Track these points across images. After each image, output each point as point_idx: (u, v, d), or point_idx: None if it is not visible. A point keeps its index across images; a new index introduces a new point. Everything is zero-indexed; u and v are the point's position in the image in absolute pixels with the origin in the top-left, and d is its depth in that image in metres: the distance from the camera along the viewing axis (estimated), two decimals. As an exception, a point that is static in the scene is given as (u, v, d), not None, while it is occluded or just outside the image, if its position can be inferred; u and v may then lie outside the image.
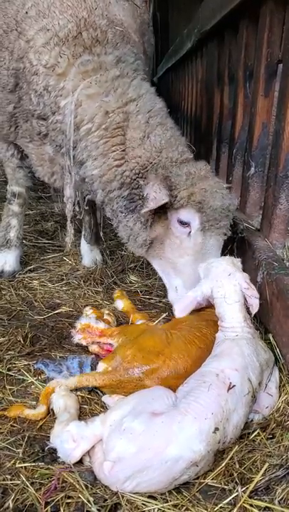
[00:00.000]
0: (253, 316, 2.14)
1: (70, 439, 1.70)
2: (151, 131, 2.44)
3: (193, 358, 2.05)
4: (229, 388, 1.75)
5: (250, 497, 1.58)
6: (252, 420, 1.93)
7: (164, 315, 2.72)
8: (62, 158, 2.69)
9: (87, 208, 2.93)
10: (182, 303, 2.27)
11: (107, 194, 2.52)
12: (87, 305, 2.84)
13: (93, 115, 2.42)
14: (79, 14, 2.49)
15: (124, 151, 2.43)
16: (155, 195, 2.28)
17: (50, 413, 1.98)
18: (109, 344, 2.31)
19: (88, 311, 2.65)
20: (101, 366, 2.12)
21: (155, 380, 1.98)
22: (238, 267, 2.21)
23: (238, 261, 2.26)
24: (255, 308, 2.09)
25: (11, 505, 1.55)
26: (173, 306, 2.51)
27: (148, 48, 3.34)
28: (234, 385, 1.76)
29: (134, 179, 2.42)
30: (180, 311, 2.28)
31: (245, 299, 2.12)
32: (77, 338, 2.41)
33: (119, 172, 2.43)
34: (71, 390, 2.05)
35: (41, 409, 1.96)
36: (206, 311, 2.35)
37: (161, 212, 2.39)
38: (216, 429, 1.64)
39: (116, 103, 2.42)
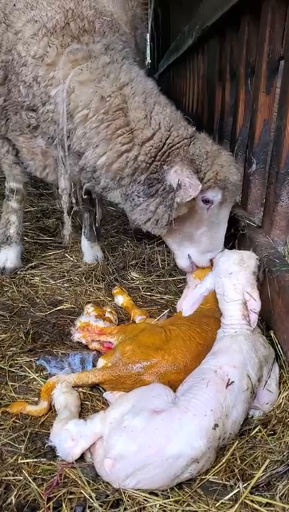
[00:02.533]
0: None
1: (68, 438, 1.70)
2: (150, 110, 2.43)
3: (192, 353, 2.06)
4: (228, 385, 1.75)
5: (251, 493, 1.59)
6: (253, 417, 1.94)
7: (166, 311, 2.72)
8: (55, 150, 2.65)
9: (85, 197, 2.91)
10: (189, 301, 2.26)
11: (118, 181, 2.49)
12: (88, 302, 2.85)
13: (88, 101, 2.39)
14: (66, 5, 2.51)
15: (131, 133, 2.39)
16: (191, 182, 2.29)
17: (52, 409, 1.99)
18: (109, 342, 2.32)
19: (89, 308, 2.65)
20: (101, 362, 2.13)
21: (154, 375, 1.99)
22: (247, 265, 2.13)
23: (250, 258, 2.17)
24: (253, 323, 2.04)
25: (13, 501, 1.56)
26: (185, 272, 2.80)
27: (140, 42, 3.34)
28: (232, 382, 1.77)
29: (151, 163, 2.41)
30: (188, 309, 2.26)
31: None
32: (77, 336, 2.42)
33: (130, 158, 2.40)
34: (73, 387, 2.05)
35: (43, 405, 1.97)
36: (208, 308, 2.36)
37: None
38: (216, 425, 1.65)
39: (110, 88, 2.40)
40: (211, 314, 2.31)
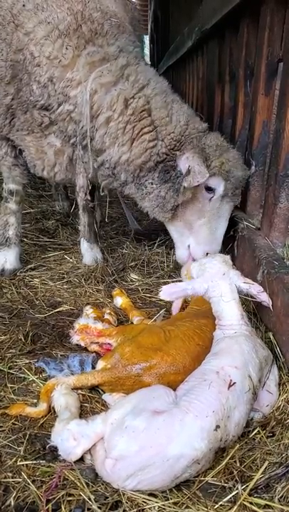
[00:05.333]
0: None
1: (70, 438, 1.70)
2: (171, 107, 2.65)
3: (191, 354, 2.07)
4: (230, 386, 1.75)
5: (250, 495, 1.59)
6: (252, 418, 1.94)
7: (162, 311, 2.72)
8: (71, 148, 2.75)
9: (103, 194, 3.02)
10: (171, 288, 2.23)
11: (137, 174, 2.69)
12: (88, 303, 2.85)
13: (112, 103, 2.56)
14: (74, 8, 2.60)
15: (155, 131, 2.61)
16: (200, 169, 2.51)
17: (51, 411, 1.99)
18: (108, 344, 2.32)
19: (88, 310, 2.66)
20: (100, 364, 2.14)
21: (153, 376, 1.99)
22: (229, 264, 2.25)
23: (228, 258, 2.30)
24: (268, 300, 2.18)
25: (12, 503, 1.56)
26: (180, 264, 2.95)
27: (139, 43, 3.42)
28: (234, 383, 1.77)
29: (169, 154, 2.63)
30: (166, 294, 2.23)
31: (241, 291, 2.15)
32: (76, 339, 2.42)
33: (154, 152, 2.62)
34: (72, 389, 2.05)
35: (42, 406, 1.97)
36: (205, 309, 2.37)
37: None
38: (217, 426, 1.65)
39: (132, 90, 2.58)
40: (210, 315, 2.31)
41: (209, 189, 2.68)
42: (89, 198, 2.97)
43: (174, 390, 1.91)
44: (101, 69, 2.54)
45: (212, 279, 2.17)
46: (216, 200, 2.72)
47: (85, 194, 2.90)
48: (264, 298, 2.16)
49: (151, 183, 2.67)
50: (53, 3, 2.60)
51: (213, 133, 2.78)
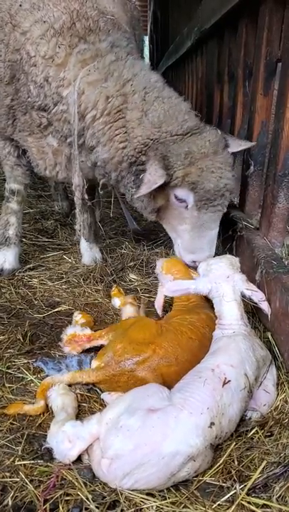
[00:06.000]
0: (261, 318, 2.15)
1: (65, 440, 1.70)
2: (148, 107, 2.50)
3: (183, 347, 2.08)
4: (224, 383, 1.76)
5: (248, 494, 1.59)
6: (250, 418, 1.94)
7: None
8: (68, 148, 2.74)
9: (102, 192, 3.04)
10: (175, 286, 2.30)
11: (119, 173, 2.63)
12: (77, 309, 2.83)
13: (96, 102, 2.50)
14: (71, 6, 2.58)
15: (126, 133, 2.52)
16: (149, 178, 2.39)
17: (49, 411, 1.99)
18: (102, 346, 2.32)
19: (77, 316, 2.64)
20: (94, 364, 2.14)
21: (146, 370, 2.00)
22: (236, 267, 2.27)
23: (236, 261, 2.31)
24: (267, 310, 2.16)
25: (10, 503, 1.56)
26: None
27: (139, 43, 3.43)
28: (229, 380, 1.77)
29: (138, 157, 2.51)
30: (170, 291, 2.30)
31: (243, 295, 2.18)
32: (66, 350, 2.39)
33: (125, 153, 2.54)
34: (69, 386, 2.06)
35: (40, 403, 1.98)
36: (194, 305, 2.42)
37: (161, 187, 2.47)
38: (212, 423, 1.65)
39: (114, 87, 2.50)
40: (199, 310, 2.36)
41: (179, 199, 2.51)
42: (86, 197, 2.94)
43: (168, 382, 1.92)
44: (89, 67, 2.50)
45: (216, 280, 2.20)
46: (192, 209, 2.52)
47: (81, 193, 2.87)
48: (264, 307, 2.16)
49: (131, 187, 2.61)
50: (49, 1, 2.58)
51: (202, 134, 2.51)
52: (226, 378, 1.77)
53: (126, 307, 2.65)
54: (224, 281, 2.18)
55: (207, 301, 2.41)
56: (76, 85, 2.48)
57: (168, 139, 2.46)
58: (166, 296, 2.70)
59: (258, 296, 2.16)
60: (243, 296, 2.18)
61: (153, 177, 2.38)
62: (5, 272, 3.29)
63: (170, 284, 2.31)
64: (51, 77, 2.55)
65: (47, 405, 1.99)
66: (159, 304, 2.68)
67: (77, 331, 2.42)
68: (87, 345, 2.36)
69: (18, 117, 2.82)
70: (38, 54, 2.53)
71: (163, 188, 2.48)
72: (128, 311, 2.61)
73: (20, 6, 2.60)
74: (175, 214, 2.63)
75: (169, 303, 2.75)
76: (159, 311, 2.67)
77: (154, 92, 2.54)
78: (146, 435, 1.59)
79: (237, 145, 2.66)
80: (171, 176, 2.41)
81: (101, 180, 2.83)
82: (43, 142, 2.84)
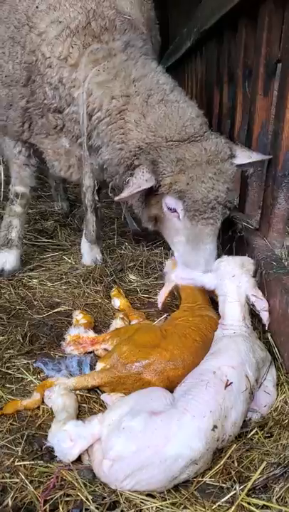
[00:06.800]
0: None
1: (67, 439, 1.70)
2: (148, 110, 2.45)
3: (189, 349, 2.09)
4: (226, 385, 1.76)
5: (248, 495, 1.59)
6: (250, 419, 1.94)
7: (165, 315, 2.71)
8: (79, 148, 2.74)
9: (111, 194, 2.89)
10: (184, 273, 2.33)
11: (121, 177, 2.60)
12: (77, 308, 2.83)
13: (101, 103, 2.49)
14: (88, 6, 2.55)
15: (123, 134, 2.49)
16: (134, 181, 2.33)
17: (49, 412, 1.99)
18: (105, 350, 2.32)
19: (78, 315, 2.64)
20: (99, 366, 2.14)
21: (153, 373, 2.00)
22: (247, 269, 2.23)
23: (250, 263, 2.27)
24: (266, 321, 2.16)
25: (10, 503, 1.56)
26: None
27: (155, 43, 3.34)
28: (231, 382, 1.77)
29: (132, 161, 2.49)
30: (178, 277, 2.35)
31: (248, 300, 2.17)
32: (69, 349, 2.39)
33: (121, 156, 2.51)
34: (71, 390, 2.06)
35: (36, 396, 2.00)
36: (199, 307, 2.41)
37: (153, 194, 2.44)
38: (215, 426, 1.65)
39: (120, 87, 2.47)
40: (204, 313, 2.36)
41: (169, 208, 2.43)
42: (97, 199, 2.92)
43: (174, 385, 1.92)
44: (99, 67, 2.47)
45: (221, 277, 2.21)
46: (185, 219, 2.40)
47: (92, 194, 2.84)
48: (264, 317, 2.16)
49: None
50: (66, 2, 2.55)
51: (199, 143, 2.39)
52: (228, 380, 1.77)
53: (116, 320, 2.61)
54: (229, 280, 2.18)
55: (214, 306, 2.40)
56: (85, 86, 2.46)
57: (162, 144, 2.39)
58: (167, 297, 2.71)
59: (261, 305, 2.15)
60: (247, 300, 2.16)
61: (138, 180, 2.33)
62: (5, 273, 3.28)
63: (180, 271, 2.34)
64: (65, 78, 2.53)
65: (43, 400, 2.01)
66: (161, 299, 2.69)
67: (80, 333, 2.43)
68: (90, 348, 2.36)
69: (35, 120, 2.80)
70: (52, 55, 2.52)
71: (156, 196, 2.44)
72: (117, 325, 2.57)
73: (37, 7, 2.58)
74: (170, 224, 2.55)
75: (173, 303, 2.75)
76: (160, 305, 2.70)
77: (158, 94, 2.47)
78: (148, 438, 1.59)
79: (246, 157, 2.50)
80: (159, 183, 2.34)
81: (110, 182, 2.80)
82: (58, 144, 2.83)
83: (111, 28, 2.56)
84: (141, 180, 2.32)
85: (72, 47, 2.50)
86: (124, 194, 2.33)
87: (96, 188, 2.89)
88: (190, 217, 2.36)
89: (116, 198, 2.41)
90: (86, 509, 1.54)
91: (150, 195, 2.46)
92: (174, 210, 2.42)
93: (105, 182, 2.91)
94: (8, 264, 3.30)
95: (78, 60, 2.50)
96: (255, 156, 2.55)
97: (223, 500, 1.58)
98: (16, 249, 3.34)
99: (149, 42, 2.84)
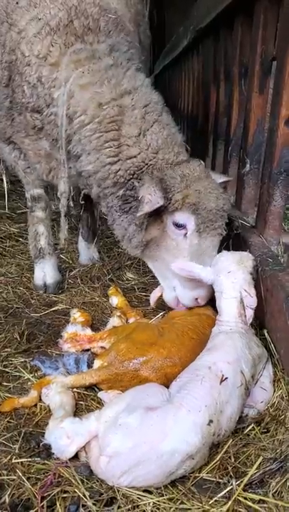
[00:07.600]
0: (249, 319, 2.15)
1: (64, 436, 1.71)
2: (147, 128, 2.36)
3: (186, 347, 2.10)
4: (222, 380, 1.77)
5: (244, 490, 1.60)
6: (247, 415, 1.95)
7: (162, 313, 2.71)
8: (58, 152, 2.63)
9: (83, 202, 2.86)
10: (184, 265, 2.28)
11: (102, 190, 2.46)
12: (75, 307, 2.83)
13: (86, 107, 2.35)
14: (69, 2, 2.43)
15: (118, 148, 2.35)
16: (150, 198, 2.21)
17: (46, 410, 1.99)
18: (102, 347, 2.33)
19: (76, 313, 2.64)
20: (96, 363, 2.14)
21: (150, 370, 2.01)
22: (245, 266, 2.20)
23: (249, 259, 2.24)
24: (249, 319, 2.11)
25: (7, 500, 1.57)
26: (169, 303, 2.56)
27: (144, 39, 3.21)
28: (226, 377, 1.78)
29: (129, 180, 2.37)
30: (177, 268, 2.29)
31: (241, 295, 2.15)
32: (66, 347, 2.39)
33: (112, 170, 2.37)
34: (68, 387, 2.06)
35: (33, 394, 2.00)
36: (197, 307, 2.42)
37: (156, 215, 2.34)
38: (210, 421, 1.66)
39: (110, 94, 2.34)
40: (201, 312, 2.37)
41: (179, 225, 2.32)
42: (71, 205, 2.77)
43: (171, 381, 1.94)
44: (83, 69, 2.36)
45: (218, 272, 2.20)
46: (192, 236, 2.33)
47: (67, 200, 2.68)
48: (248, 314, 2.11)
49: (116, 210, 2.45)
50: None
51: (189, 162, 2.40)
52: (223, 375, 1.78)
53: (114, 318, 2.61)
54: (224, 276, 2.17)
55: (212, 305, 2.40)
56: (67, 87, 2.35)
57: (163, 165, 2.35)
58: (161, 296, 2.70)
59: (249, 302, 2.12)
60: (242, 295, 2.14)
61: (153, 197, 2.21)
62: (50, 288, 3.11)
63: (179, 262, 2.29)
64: (44, 77, 2.42)
65: (40, 397, 2.02)
66: (154, 296, 2.69)
67: (78, 331, 2.43)
68: (87, 346, 2.37)
69: (14, 117, 2.75)
70: (31, 53, 2.42)
71: (158, 216, 2.35)
72: (114, 323, 2.58)
73: (17, 3, 2.48)
74: (171, 246, 2.40)
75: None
76: (152, 302, 2.70)
77: (154, 113, 2.40)
78: (145, 433, 1.60)
79: (217, 177, 2.51)
80: (169, 200, 2.27)
81: (83, 190, 2.71)
82: (38, 145, 2.72)
83: (95, 29, 2.44)
84: (156, 196, 2.22)
85: (53, 45, 2.39)
86: (146, 209, 2.22)
87: (71, 194, 2.73)
88: (202, 230, 2.31)
89: (138, 214, 2.27)
90: (83, 505, 1.55)
91: (150, 216, 2.35)
92: (183, 227, 2.33)
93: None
94: (49, 277, 3.13)
95: (59, 60, 2.39)
96: (223, 177, 2.65)
97: (219, 495, 1.59)
98: (50, 258, 3.16)
99: (134, 44, 2.70)
